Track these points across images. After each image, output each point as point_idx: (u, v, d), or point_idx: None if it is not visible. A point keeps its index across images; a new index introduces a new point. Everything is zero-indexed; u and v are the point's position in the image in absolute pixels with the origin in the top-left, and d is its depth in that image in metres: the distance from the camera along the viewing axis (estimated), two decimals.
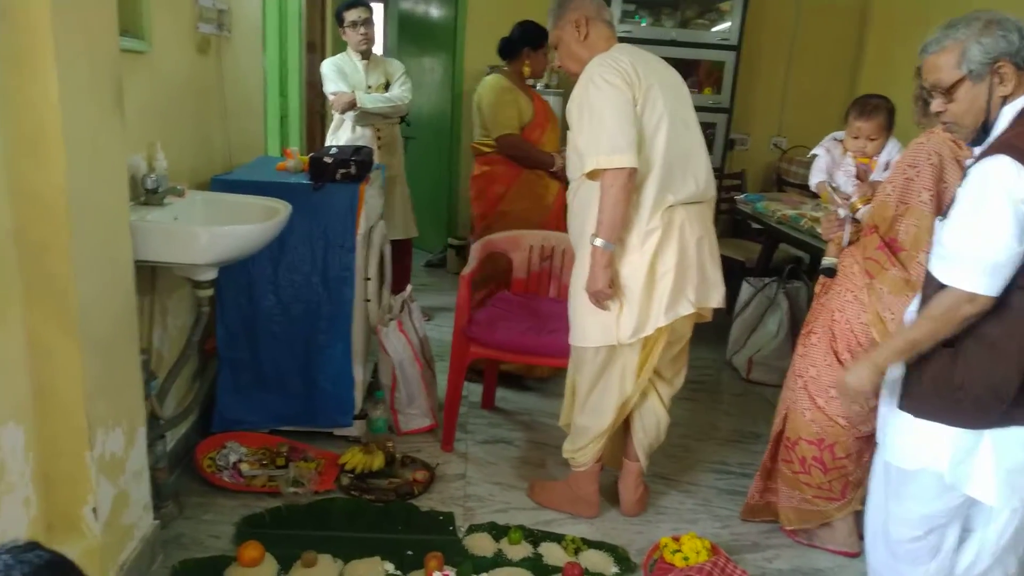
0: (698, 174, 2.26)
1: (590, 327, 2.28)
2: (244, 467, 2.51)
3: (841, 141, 2.52)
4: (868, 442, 2.34)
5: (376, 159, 3.84)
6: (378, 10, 7.40)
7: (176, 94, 2.46)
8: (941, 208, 2.06)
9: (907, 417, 1.74)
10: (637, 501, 2.53)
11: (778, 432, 2.47)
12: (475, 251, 3.02)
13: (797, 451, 2.38)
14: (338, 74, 3.77)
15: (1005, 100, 1.60)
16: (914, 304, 1.83)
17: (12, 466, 1.60)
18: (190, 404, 2.46)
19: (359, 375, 2.77)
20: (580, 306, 2.29)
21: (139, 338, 1.98)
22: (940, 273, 1.61)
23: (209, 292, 2.21)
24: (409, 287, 3.15)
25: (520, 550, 2.27)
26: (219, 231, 2.06)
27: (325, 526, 2.31)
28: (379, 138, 3.85)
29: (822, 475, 2.34)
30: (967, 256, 1.56)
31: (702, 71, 5.08)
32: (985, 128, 1.63)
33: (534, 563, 2.22)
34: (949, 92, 1.63)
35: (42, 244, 1.59)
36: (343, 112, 3.77)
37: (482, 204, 3.61)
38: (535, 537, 2.34)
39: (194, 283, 2.19)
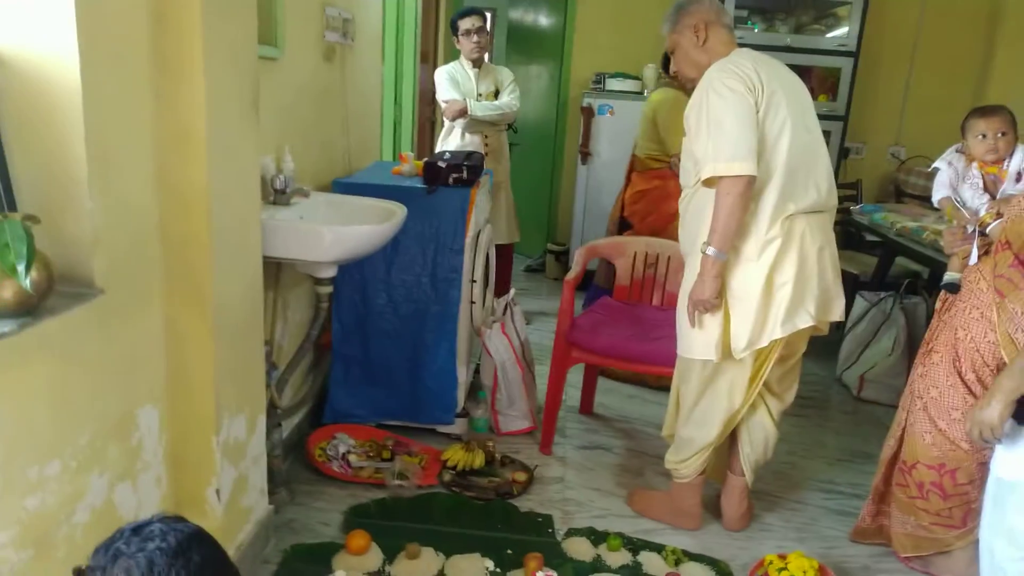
0: (820, 182, 2.19)
1: (697, 339, 2.24)
2: (352, 458, 2.60)
3: (963, 153, 2.37)
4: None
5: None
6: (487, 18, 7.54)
7: (304, 99, 2.59)
8: None
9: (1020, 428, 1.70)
10: (741, 516, 2.47)
11: (892, 455, 2.36)
12: (579, 256, 3.03)
13: (914, 475, 2.26)
14: (450, 82, 3.86)
15: None
16: None
17: (148, 445, 1.72)
18: (305, 395, 2.58)
19: (462, 375, 2.83)
20: (688, 316, 2.27)
21: (263, 330, 2.09)
22: None
23: (329, 289, 2.32)
24: (512, 290, 3.19)
25: (619, 557, 2.26)
26: (342, 231, 2.15)
27: (428, 520, 2.37)
28: (487, 144, 3.92)
29: (941, 501, 2.22)
30: None
31: (815, 77, 4.92)
32: None
33: (634, 571, 2.21)
34: None
35: (184, 237, 1.70)
36: (454, 119, 3.86)
37: (655, 219, 3.57)
38: (634, 545, 2.33)
39: (315, 280, 2.31)
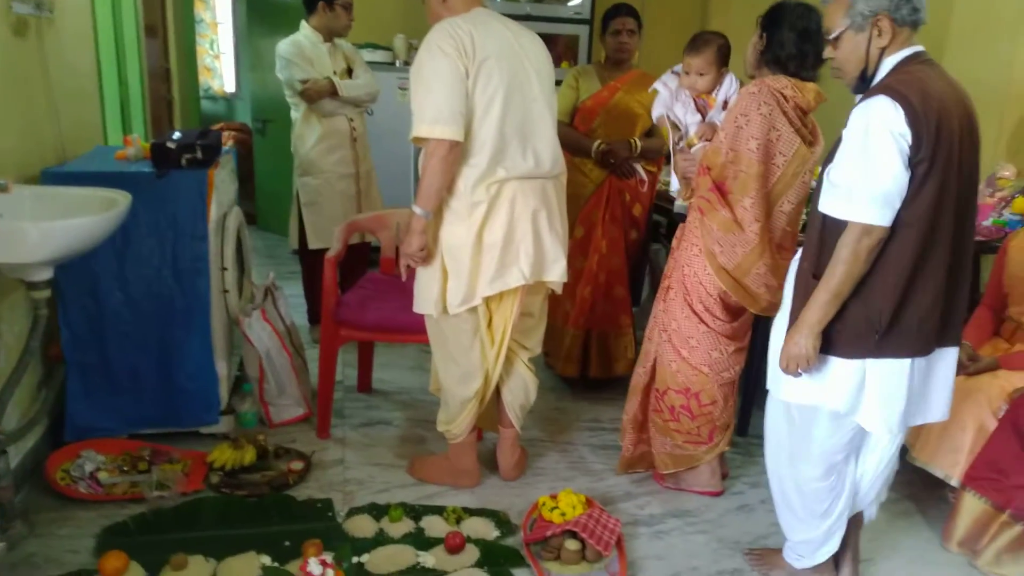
0: (541, 151, 2.26)
1: (422, 294, 2.32)
2: (102, 476, 2.36)
3: (678, 75, 2.54)
4: (732, 388, 2.48)
5: (353, 153, 3.54)
6: None
7: None
8: (770, 157, 2.20)
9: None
10: (515, 466, 2.58)
11: (644, 384, 2.56)
12: (339, 233, 2.96)
13: (666, 400, 2.48)
14: (303, 59, 3.38)
15: (884, 52, 1.75)
16: (795, 260, 1.97)
17: None
18: (36, 415, 2.29)
19: (222, 369, 2.66)
20: (418, 273, 2.33)
21: None
22: (837, 210, 1.73)
23: (45, 293, 2.05)
24: (272, 274, 3.05)
25: (401, 527, 2.27)
26: (50, 227, 1.91)
27: (195, 527, 2.22)
28: (354, 129, 3.54)
29: (691, 422, 2.46)
30: (861, 190, 1.68)
31: (560, 45, 5.16)
32: (864, 77, 1.78)
33: (416, 538, 2.23)
34: (836, 40, 1.78)
35: None
36: (315, 101, 3.40)
37: None
38: (416, 512, 2.35)
39: (28, 284, 2.04)
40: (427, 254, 2.25)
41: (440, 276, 2.26)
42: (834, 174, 1.74)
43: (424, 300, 2.32)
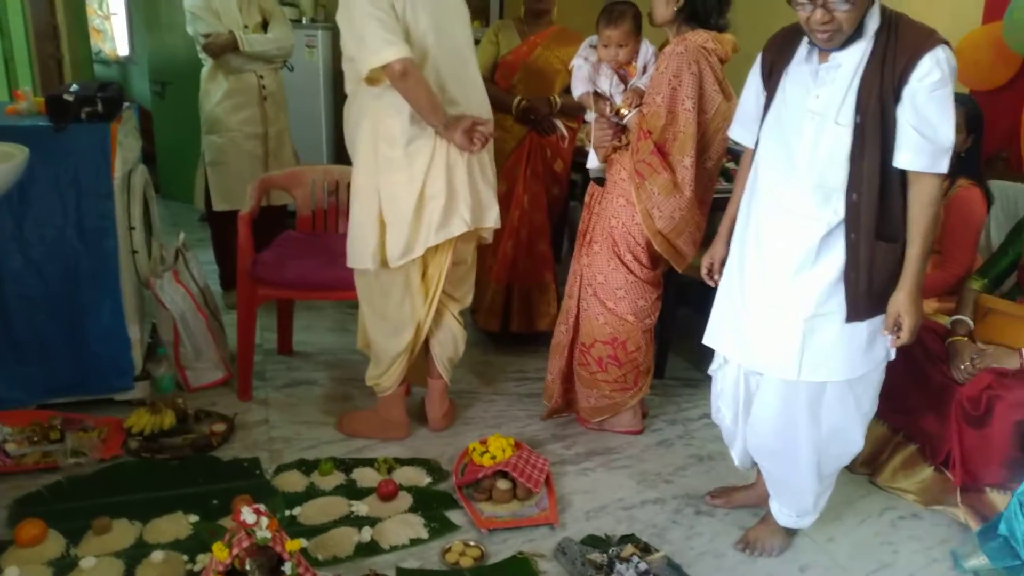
0: (469, 95, 2.27)
1: (358, 248, 2.28)
2: (11, 447, 2.25)
3: (596, 48, 2.52)
4: (651, 334, 2.57)
5: (262, 111, 3.39)
6: None
7: None
8: (704, 112, 2.26)
9: (864, 325, 1.80)
10: (443, 416, 2.60)
11: (569, 340, 2.60)
12: (252, 191, 2.87)
13: (593, 353, 2.53)
14: (208, 12, 3.19)
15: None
16: (808, 233, 1.78)
17: None
18: None
19: (134, 333, 2.56)
20: (353, 225, 2.29)
21: None
22: (940, 166, 1.66)
23: None
24: (182, 235, 2.94)
25: (332, 479, 2.27)
26: None
27: (116, 492, 2.16)
28: (263, 87, 3.37)
29: (618, 370, 2.53)
30: (948, 143, 1.66)
31: (470, 2, 5.10)
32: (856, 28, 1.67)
33: (348, 489, 2.24)
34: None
35: None
36: (219, 56, 3.23)
37: None
38: (347, 465, 2.35)
39: None
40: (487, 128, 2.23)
41: (377, 228, 2.22)
42: (932, 131, 1.65)
43: (360, 254, 2.27)
